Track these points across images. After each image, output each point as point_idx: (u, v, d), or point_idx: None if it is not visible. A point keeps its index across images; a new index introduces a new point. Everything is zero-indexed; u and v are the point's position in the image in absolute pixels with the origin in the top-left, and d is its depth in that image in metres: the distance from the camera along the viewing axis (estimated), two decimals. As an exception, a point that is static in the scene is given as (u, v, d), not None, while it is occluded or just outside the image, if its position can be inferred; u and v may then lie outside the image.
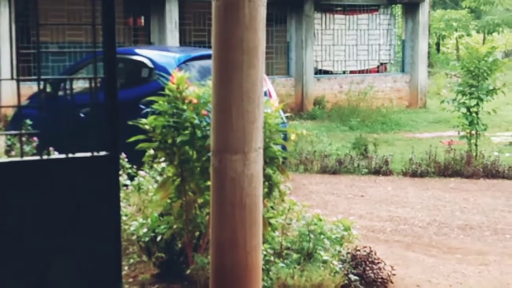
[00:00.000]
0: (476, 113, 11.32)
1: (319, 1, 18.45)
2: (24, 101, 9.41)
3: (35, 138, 7.40)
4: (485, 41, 31.58)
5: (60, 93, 8.90)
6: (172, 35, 16.24)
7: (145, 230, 5.18)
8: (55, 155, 3.19)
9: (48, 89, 9.00)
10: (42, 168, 2.96)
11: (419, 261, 6.34)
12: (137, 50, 9.71)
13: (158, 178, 5.89)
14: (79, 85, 9.61)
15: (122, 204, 5.73)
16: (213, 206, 3.62)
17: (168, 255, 5.11)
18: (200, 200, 4.91)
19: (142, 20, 17.68)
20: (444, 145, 12.01)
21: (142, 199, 6.05)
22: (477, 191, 9.65)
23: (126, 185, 6.33)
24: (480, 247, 6.98)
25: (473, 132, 11.33)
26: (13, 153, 7.58)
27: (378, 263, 5.41)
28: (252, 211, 3.56)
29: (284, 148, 5.07)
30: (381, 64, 20.23)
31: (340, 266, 5.12)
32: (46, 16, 15.57)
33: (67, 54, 15.61)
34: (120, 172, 5.66)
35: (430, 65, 25.16)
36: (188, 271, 4.82)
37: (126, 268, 5.25)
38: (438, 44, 35.43)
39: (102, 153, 3.02)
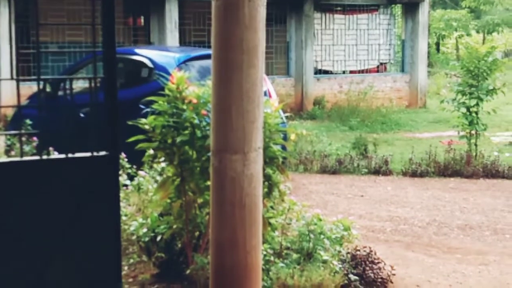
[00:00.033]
0: (476, 113, 11.32)
1: (319, 1, 18.45)
2: (24, 101, 9.41)
3: (35, 138, 7.40)
4: (485, 41, 31.57)
5: (60, 93, 8.90)
6: (172, 35, 16.23)
7: (145, 230, 5.18)
8: (55, 155, 3.19)
9: (48, 89, 8.99)
10: (42, 168, 2.96)
11: (419, 261, 6.33)
12: (137, 50, 9.71)
13: (158, 178, 5.88)
14: (79, 85, 9.61)
15: (122, 204, 5.74)
16: (213, 206, 3.62)
17: (168, 255, 5.11)
18: (200, 200, 4.91)
19: (142, 20, 17.67)
20: (444, 145, 12.01)
21: (142, 199, 6.04)
22: (477, 191, 9.65)
23: (126, 185, 6.32)
24: (480, 247, 6.98)
25: (473, 132, 11.33)
26: (13, 153, 7.57)
27: (378, 263, 5.41)
28: (252, 211, 3.56)
29: (284, 148, 5.07)
30: (381, 64, 20.23)
31: (340, 266, 5.12)
32: (46, 16, 15.58)
33: (66, 54, 15.60)
34: (120, 172, 5.67)
35: (430, 65, 25.16)
36: (188, 271, 4.81)
37: (126, 268, 5.25)
38: (438, 44, 35.42)
39: (102, 153, 3.02)
